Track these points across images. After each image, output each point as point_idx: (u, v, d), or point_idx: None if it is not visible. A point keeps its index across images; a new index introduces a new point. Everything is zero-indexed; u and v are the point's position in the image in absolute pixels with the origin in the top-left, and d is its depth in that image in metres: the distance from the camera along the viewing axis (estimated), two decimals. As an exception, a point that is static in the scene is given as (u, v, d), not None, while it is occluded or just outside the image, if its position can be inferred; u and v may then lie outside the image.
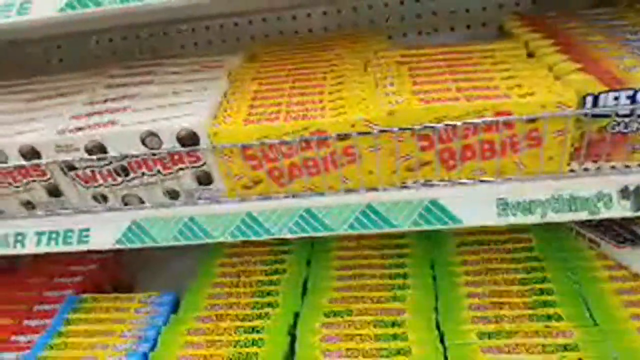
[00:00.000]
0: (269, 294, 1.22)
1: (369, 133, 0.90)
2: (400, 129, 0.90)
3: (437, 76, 1.02)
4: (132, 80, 1.21)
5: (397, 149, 0.93)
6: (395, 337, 1.05)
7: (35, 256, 1.55)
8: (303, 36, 1.59)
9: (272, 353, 1.07)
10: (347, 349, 1.04)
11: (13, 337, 1.27)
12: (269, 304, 1.19)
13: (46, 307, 1.36)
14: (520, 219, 0.94)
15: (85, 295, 1.32)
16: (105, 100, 1.12)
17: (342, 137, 0.91)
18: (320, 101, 0.99)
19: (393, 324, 1.08)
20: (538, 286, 1.13)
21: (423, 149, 0.94)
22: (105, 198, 1.07)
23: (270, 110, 0.99)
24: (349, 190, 0.99)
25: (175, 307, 1.27)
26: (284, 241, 1.38)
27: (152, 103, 1.07)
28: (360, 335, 1.07)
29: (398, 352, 1.03)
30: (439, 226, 0.96)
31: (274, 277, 1.27)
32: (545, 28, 1.18)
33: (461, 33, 1.55)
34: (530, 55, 1.09)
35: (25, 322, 1.32)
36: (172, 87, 1.14)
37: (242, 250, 1.38)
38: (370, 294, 1.16)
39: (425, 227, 0.96)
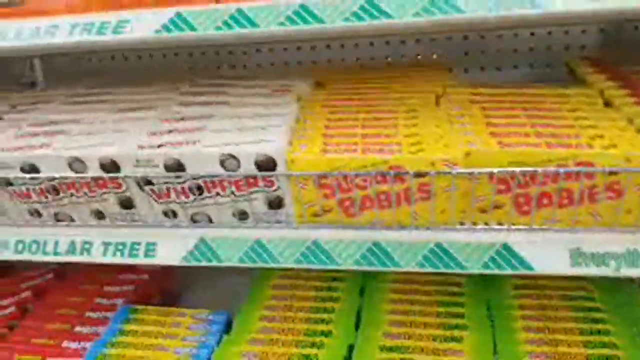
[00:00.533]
0: (322, 321, 1.22)
1: (447, 173, 0.91)
2: (480, 171, 0.90)
3: (513, 118, 1.03)
4: (206, 100, 1.24)
5: (472, 190, 0.94)
6: (452, 377, 1.04)
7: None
8: (367, 65, 1.62)
9: (326, 383, 1.07)
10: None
11: (65, 343, 1.29)
12: (323, 333, 1.19)
13: (97, 314, 1.38)
14: (594, 270, 0.93)
15: (138, 307, 1.34)
16: (182, 119, 1.15)
17: (421, 175, 0.92)
18: (396, 135, 1.01)
19: (449, 364, 1.07)
20: (599, 338, 1.10)
21: (499, 192, 0.94)
22: (175, 214, 1.09)
23: (346, 141, 1.00)
24: (419, 227, 0.99)
25: (227, 326, 1.27)
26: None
27: (229, 125, 1.09)
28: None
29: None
30: (509, 271, 0.96)
31: (328, 305, 1.27)
32: (620, 76, 1.17)
33: (524, 72, 1.55)
34: (606, 104, 1.09)
35: (77, 328, 1.34)
36: (246, 110, 1.16)
37: (294, 273, 1.39)
38: (426, 332, 1.15)
39: (496, 271, 0.96)
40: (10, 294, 1.51)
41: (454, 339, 1.12)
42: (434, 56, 1.58)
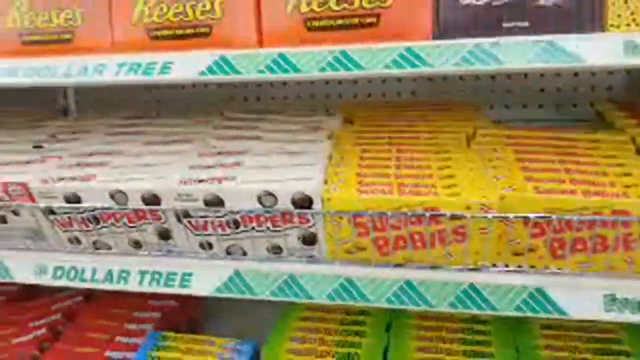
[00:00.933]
0: (349, 356, 1.23)
1: (484, 217, 0.93)
2: (516, 216, 0.92)
3: (547, 163, 1.05)
4: (239, 134, 1.28)
5: (507, 234, 0.95)
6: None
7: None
8: (393, 100, 1.65)
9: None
10: None
11: (107, 352, 1.32)
12: (350, 367, 1.20)
13: (127, 339, 1.40)
14: (628, 317, 0.94)
15: (167, 334, 1.37)
16: (219, 153, 1.19)
17: (456, 217, 0.94)
18: (431, 176, 1.03)
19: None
20: (628, 383, 1.10)
21: (534, 236, 0.95)
22: (210, 245, 1.12)
23: (380, 181, 1.03)
24: (452, 268, 1.01)
25: (254, 356, 1.29)
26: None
27: (264, 161, 1.13)
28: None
29: None
30: (542, 315, 0.97)
31: (355, 339, 1.28)
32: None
33: (550, 111, 1.57)
34: (638, 151, 1.10)
35: (107, 352, 1.36)
36: (279, 146, 1.20)
37: (320, 306, 1.40)
38: (453, 369, 1.16)
39: (529, 314, 0.96)
40: (41, 315, 1.54)
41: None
42: (461, 93, 1.61)
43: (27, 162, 1.26)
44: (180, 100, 1.86)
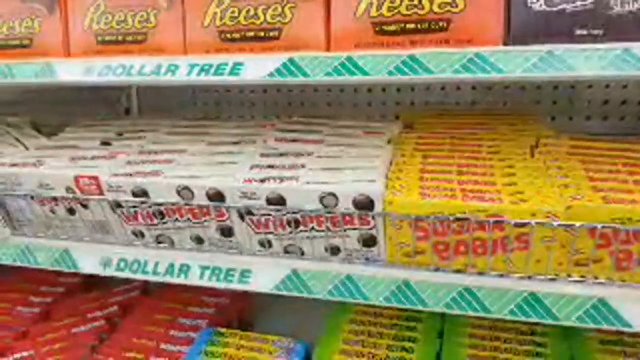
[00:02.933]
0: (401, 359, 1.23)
1: (549, 225, 0.92)
2: (583, 225, 0.91)
3: (614, 173, 1.03)
4: (302, 137, 1.31)
5: (571, 244, 0.94)
6: None
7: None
8: (452, 109, 1.65)
9: (408, 423, 1.07)
10: None
11: (152, 358, 1.36)
12: (402, 372, 1.20)
13: (181, 333, 1.45)
14: (698, 333, 0.91)
15: (222, 329, 1.40)
16: (281, 154, 1.22)
17: (521, 224, 0.94)
18: (494, 183, 1.03)
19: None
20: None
21: (599, 246, 0.94)
22: (270, 244, 1.15)
23: (443, 186, 1.03)
24: (513, 275, 1.00)
25: (306, 355, 1.31)
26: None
27: (326, 163, 1.15)
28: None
29: None
30: (604, 326, 0.95)
31: (406, 344, 1.28)
32: None
33: (614, 123, 1.54)
34: None
35: (162, 345, 1.41)
36: (341, 150, 1.22)
37: (371, 310, 1.41)
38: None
39: (591, 325, 0.95)
40: (99, 307, 1.60)
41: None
42: (521, 103, 1.59)
43: (96, 158, 1.32)
44: (239, 104, 1.91)
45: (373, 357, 1.25)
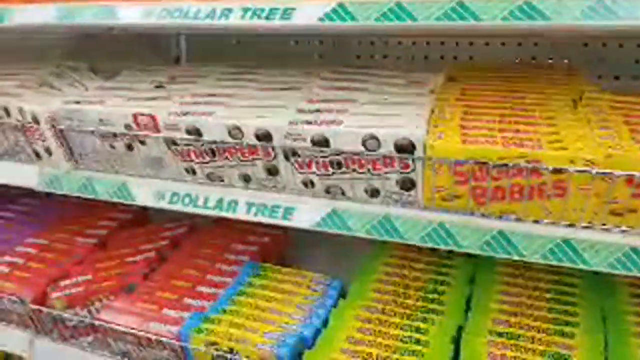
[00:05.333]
0: (433, 301, 1.30)
1: (586, 172, 0.95)
2: (621, 174, 0.93)
3: (657, 127, 1.04)
4: (345, 85, 1.35)
5: (608, 192, 0.96)
6: (562, 369, 1.08)
7: (215, 221, 1.78)
8: (496, 65, 1.64)
9: (437, 356, 1.14)
10: (513, 370, 1.09)
11: (198, 287, 1.47)
12: (433, 311, 1.26)
13: (226, 267, 1.55)
14: None
15: (264, 264, 1.50)
16: (325, 101, 1.27)
17: (558, 171, 0.96)
18: (535, 132, 1.05)
19: (559, 356, 1.11)
20: None
21: (635, 196, 0.96)
22: (312, 184, 1.21)
23: (484, 134, 1.06)
24: (548, 221, 1.04)
25: (341, 293, 1.39)
26: (449, 255, 1.45)
27: (369, 109, 1.19)
28: (525, 358, 1.11)
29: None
30: (636, 273, 0.98)
31: (439, 287, 1.34)
32: None
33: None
34: None
35: (209, 276, 1.52)
36: (384, 98, 1.25)
37: (405, 255, 1.47)
38: (536, 324, 1.19)
39: (623, 272, 0.98)
40: (150, 241, 1.72)
41: (564, 335, 1.15)
42: (566, 61, 1.58)
43: (152, 99, 1.41)
44: (283, 53, 1.94)
45: (405, 296, 1.32)
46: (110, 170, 1.44)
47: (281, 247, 1.69)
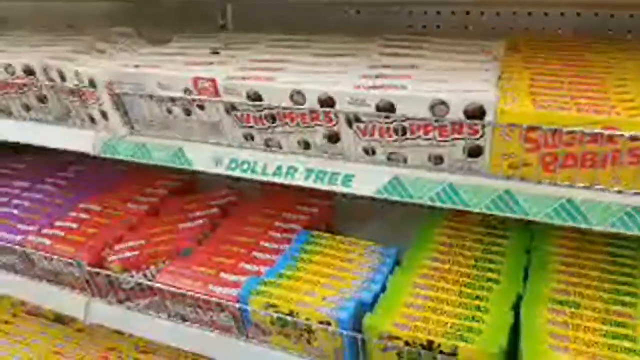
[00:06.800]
0: (489, 270, 1.30)
1: (668, 138, 0.93)
2: None
3: None
4: (405, 52, 1.34)
5: (687, 160, 0.95)
6: (625, 337, 1.08)
7: (262, 191, 1.80)
8: (554, 36, 1.60)
9: (497, 323, 1.15)
10: (575, 337, 1.09)
11: (253, 253, 1.50)
12: (491, 280, 1.27)
13: (278, 234, 1.57)
14: None
15: (316, 232, 1.51)
16: (388, 66, 1.26)
17: (636, 138, 0.95)
18: (609, 99, 1.03)
19: (619, 325, 1.11)
20: None
21: None
22: (374, 151, 1.21)
23: (555, 100, 1.05)
24: (618, 190, 1.02)
25: (396, 262, 1.40)
26: (503, 226, 1.45)
27: (434, 76, 1.18)
28: (587, 327, 1.11)
29: (627, 351, 1.05)
30: None
31: (494, 257, 1.34)
32: None
33: None
34: None
35: (262, 242, 1.54)
36: (448, 64, 1.24)
37: (459, 226, 1.47)
38: (596, 294, 1.19)
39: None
40: (200, 209, 1.74)
41: (625, 304, 1.15)
42: (629, 33, 1.53)
43: (209, 63, 1.41)
44: (336, 24, 1.92)
45: (461, 265, 1.32)
46: (167, 136, 1.46)
47: (328, 218, 1.70)
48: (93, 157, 2.21)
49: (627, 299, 1.17)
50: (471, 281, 1.27)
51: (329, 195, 1.78)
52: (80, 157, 2.17)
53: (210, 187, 1.90)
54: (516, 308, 1.19)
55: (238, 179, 2.03)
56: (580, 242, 1.36)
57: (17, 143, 1.70)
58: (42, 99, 1.62)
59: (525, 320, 1.14)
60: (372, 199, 1.22)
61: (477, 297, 1.22)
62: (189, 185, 1.94)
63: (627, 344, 1.07)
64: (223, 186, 1.88)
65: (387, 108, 1.13)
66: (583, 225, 1.05)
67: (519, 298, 1.21)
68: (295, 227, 1.57)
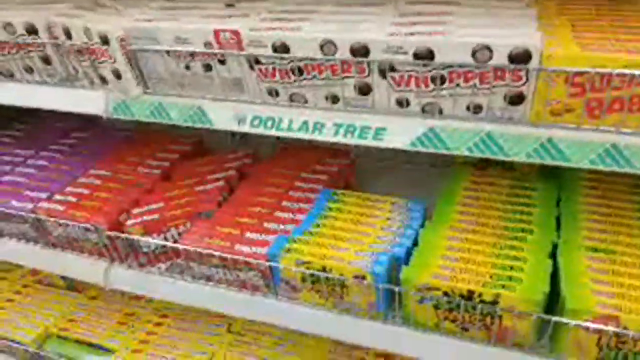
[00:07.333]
0: (521, 221, 1.29)
1: None
2: None
3: None
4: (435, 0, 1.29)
5: None
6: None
7: (285, 150, 1.76)
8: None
9: (537, 271, 1.14)
10: (616, 282, 1.09)
11: (276, 213, 1.47)
12: (524, 230, 1.26)
13: (299, 194, 1.54)
14: None
15: (340, 190, 1.48)
16: (421, 13, 1.21)
17: (690, 77, 0.93)
18: (656, 41, 1.01)
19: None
20: None
21: None
22: (408, 103, 1.18)
23: (601, 43, 1.02)
24: (665, 133, 1.01)
25: (425, 217, 1.38)
26: (528, 179, 1.44)
27: (471, 21, 1.14)
28: (627, 272, 1.11)
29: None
30: None
31: (525, 209, 1.33)
32: None
33: None
34: None
35: (284, 202, 1.51)
36: (483, 10, 1.19)
37: (485, 180, 1.46)
38: (630, 240, 1.19)
39: None
40: (216, 171, 1.70)
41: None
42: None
43: (228, 16, 1.34)
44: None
45: (492, 217, 1.31)
46: (184, 94, 1.40)
47: (349, 176, 1.68)
48: (94, 124, 2.16)
49: (662, 243, 1.18)
50: (504, 232, 1.26)
51: (347, 153, 1.75)
52: (82, 124, 2.11)
53: (220, 151, 1.85)
54: (552, 257, 1.19)
55: (247, 143, 2.00)
56: (609, 192, 1.35)
57: (12, 109, 1.63)
58: (46, 60, 1.54)
59: (565, 267, 1.14)
60: (389, 158, 1.18)
61: (513, 248, 1.21)
62: (199, 148, 1.89)
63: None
64: (233, 150, 1.83)
65: (425, 55, 1.09)
66: (628, 170, 1.04)
67: (554, 247, 1.21)
68: (316, 187, 1.54)
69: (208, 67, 1.32)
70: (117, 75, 1.43)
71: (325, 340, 1.72)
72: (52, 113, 2.23)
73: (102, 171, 1.76)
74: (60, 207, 1.60)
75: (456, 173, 1.50)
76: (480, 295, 1.11)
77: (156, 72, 1.40)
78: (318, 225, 1.36)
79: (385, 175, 1.81)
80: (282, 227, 1.41)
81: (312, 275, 1.26)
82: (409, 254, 1.25)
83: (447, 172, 1.56)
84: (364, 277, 1.21)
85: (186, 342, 1.76)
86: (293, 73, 1.24)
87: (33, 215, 1.60)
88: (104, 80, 1.47)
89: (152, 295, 1.59)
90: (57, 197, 1.65)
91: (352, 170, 1.70)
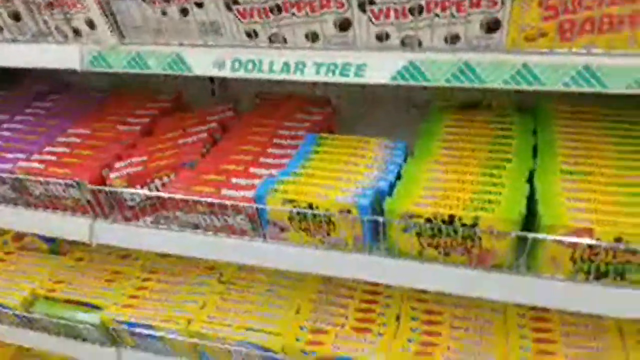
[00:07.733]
0: (500, 152, 1.33)
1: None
2: None
3: None
4: None
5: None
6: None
7: (266, 101, 1.76)
8: None
9: (514, 194, 1.19)
10: (590, 198, 1.15)
11: (261, 159, 1.48)
12: (503, 159, 1.30)
13: (284, 141, 1.55)
14: None
15: (324, 135, 1.50)
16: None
17: (658, -7, 0.96)
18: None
19: (634, 185, 1.17)
20: None
21: None
22: (388, 36, 1.19)
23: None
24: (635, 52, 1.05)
25: (406, 154, 1.41)
26: (506, 114, 1.48)
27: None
28: (602, 190, 1.17)
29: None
30: None
31: (503, 140, 1.37)
32: None
33: None
34: None
35: (269, 149, 1.52)
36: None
37: (465, 118, 1.49)
38: (605, 162, 1.25)
39: None
40: (198, 124, 1.69)
41: (634, 169, 1.21)
42: None
43: (204, -41, 1.32)
44: None
45: (472, 150, 1.36)
46: (161, 42, 1.39)
47: (331, 124, 1.69)
48: (70, 87, 2.12)
49: (636, 164, 1.23)
50: (484, 162, 1.30)
51: (328, 101, 1.76)
52: (58, 87, 2.07)
53: (201, 107, 1.85)
54: (530, 182, 1.24)
55: (227, 98, 1.99)
56: (582, 120, 1.41)
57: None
58: (16, 16, 1.50)
59: (542, 189, 1.19)
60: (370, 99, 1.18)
61: (492, 175, 1.25)
62: (178, 104, 1.88)
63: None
64: (214, 104, 1.83)
65: (403, -14, 1.11)
66: (600, 89, 1.08)
67: (532, 173, 1.26)
68: (300, 134, 1.56)
69: (185, 12, 1.31)
70: (91, 26, 1.41)
71: (314, 280, 1.76)
72: (27, 77, 2.19)
73: (81, 129, 1.74)
74: (40, 166, 1.58)
75: (437, 114, 1.53)
76: (460, 219, 1.15)
77: (131, 20, 1.38)
78: (304, 167, 1.38)
79: (366, 120, 1.83)
80: (268, 171, 1.42)
81: (299, 213, 1.29)
82: (392, 187, 1.28)
83: (428, 116, 1.59)
84: (349, 211, 1.24)
85: (177, 294, 1.78)
86: (272, 12, 1.24)
87: (12, 176, 1.58)
88: (77, 32, 1.45)
89: (139, 247, 1.59)
90: (36, 156, 1.63)
91: (333, 117, 1.72)
